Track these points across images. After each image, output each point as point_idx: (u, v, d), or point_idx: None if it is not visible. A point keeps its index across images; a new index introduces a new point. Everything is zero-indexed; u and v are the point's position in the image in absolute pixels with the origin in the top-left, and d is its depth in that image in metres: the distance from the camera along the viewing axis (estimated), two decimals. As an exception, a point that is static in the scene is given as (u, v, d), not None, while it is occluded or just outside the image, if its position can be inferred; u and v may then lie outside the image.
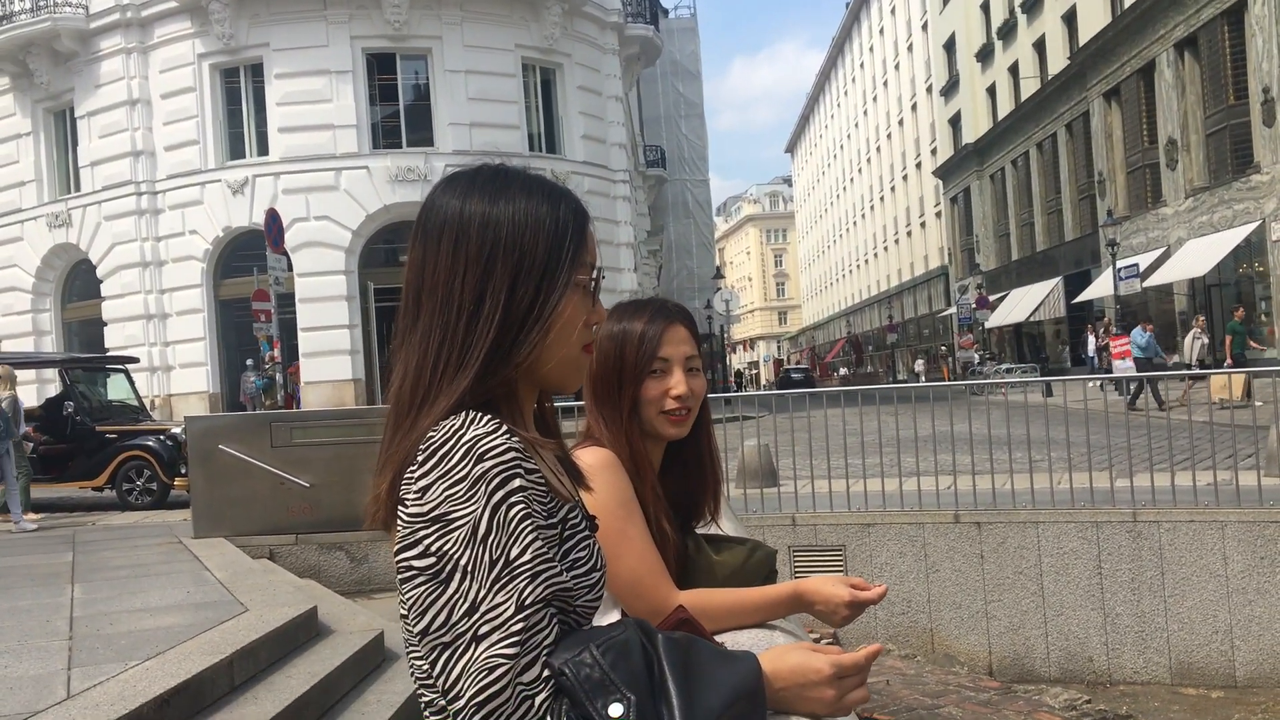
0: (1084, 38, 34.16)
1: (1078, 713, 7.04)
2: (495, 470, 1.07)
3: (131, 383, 15.08)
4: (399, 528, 1.10)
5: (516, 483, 1.07)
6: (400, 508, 1.11)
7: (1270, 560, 7.73)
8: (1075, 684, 7.90)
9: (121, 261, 23.24)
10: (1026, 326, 42.50)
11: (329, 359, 21.82)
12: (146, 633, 4.81)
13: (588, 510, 1.26)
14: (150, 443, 12.70)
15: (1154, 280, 28.32)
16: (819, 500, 8.85)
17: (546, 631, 1.06)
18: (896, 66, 63.90)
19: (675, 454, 1.92)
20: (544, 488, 1.13)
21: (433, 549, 1.06)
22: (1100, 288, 30.84)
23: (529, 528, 1.07)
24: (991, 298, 42.70)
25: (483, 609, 1.03)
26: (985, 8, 45.47)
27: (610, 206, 25.56)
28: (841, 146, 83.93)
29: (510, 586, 1.04)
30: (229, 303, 22.77)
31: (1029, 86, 40.14)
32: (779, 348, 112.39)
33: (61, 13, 23.14)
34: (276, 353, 18.32)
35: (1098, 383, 12.16)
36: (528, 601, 1.04)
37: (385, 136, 23.12)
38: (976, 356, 39.83)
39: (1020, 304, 40.42)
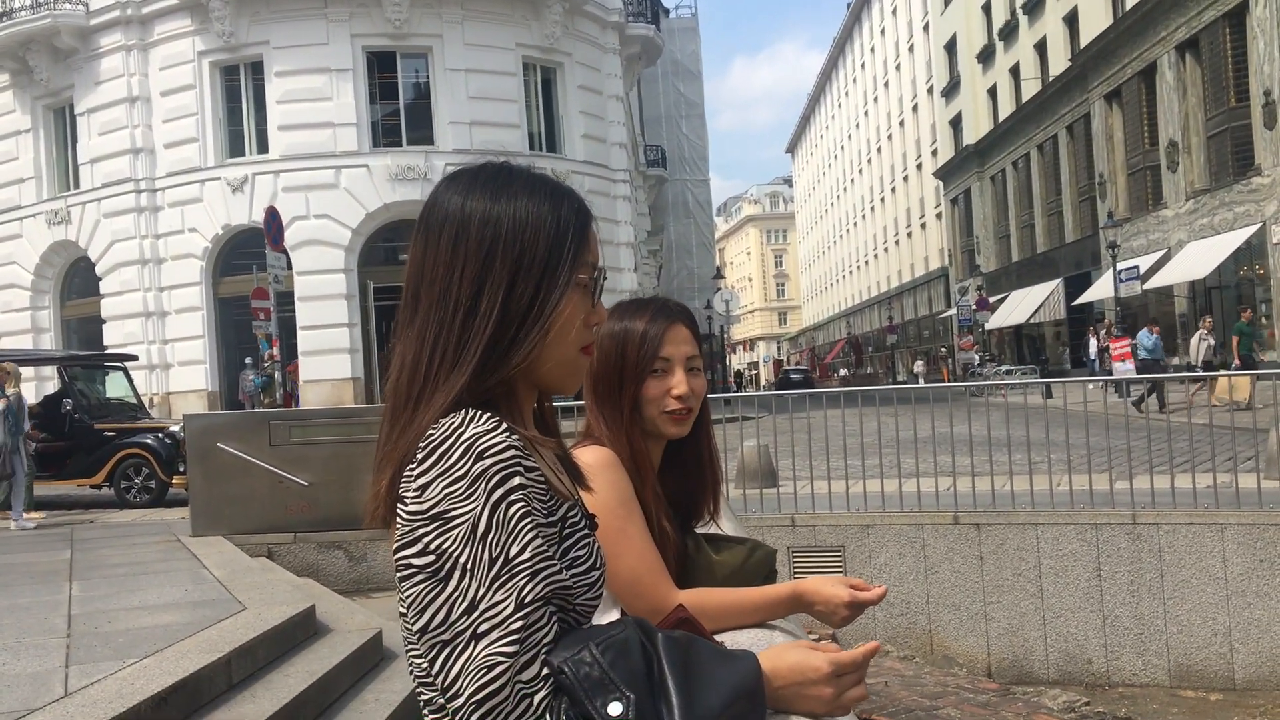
0: (1085, 39, 34.18)
1: (1076, 715, 7.04)
2: (495, 468, 1.06)
3: (130, 380, 15.07)
4: (398, 525, 1.10)
5: (516, 481, 1.07)
6: (400, 505, 1.10)
7: (1270, 563, 7.73)
8: (1074, 686, 7.89)
9: (121, 259, 23.24)
10: (1026, 328, 42.53)
11: (328, 357, 21.82)
12: (144, 631, 4.81)
13: (587, 509, 1.25)
14: (149, 440, 12.70)
15: (1154, 282, 28.34)
16: (818, 501, 8.85)
17: (546, 630, 1.05)
18: (897, 67, 63.93)
19: (675, 453, 1.92)
20: (543, 486, 1.13)
21: (432, 547, 1.06)
22: (1100, 290, 30.86)
23: (528, 526, 1.06)
24: (991, 299, 42.73)
25: (482, 607, 1.03)
26: (986, 9, 45.49)
27: (610, 206, 25.57)
28: (842, 147, 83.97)
29: (509, 585, 1.03)
30: (228, 301, 22.77)
31: (1030, 88, 40.15)
32: (779, 348, 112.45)
33: (62, 9, 23.13)
34: (275, 351, 18.33)
35: (1099, 385, 12.16)
36: (527, 600, 1.04)
37: (385, 135, 23.12)
38: (976, 358, 39.84)
39: (1020, 306, 40.44)
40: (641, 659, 1.08)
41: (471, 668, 1.02)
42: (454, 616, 1.04)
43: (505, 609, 1.03)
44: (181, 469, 11.61)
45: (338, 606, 6.22)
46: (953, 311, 46.12)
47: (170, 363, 23.06)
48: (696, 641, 1.15)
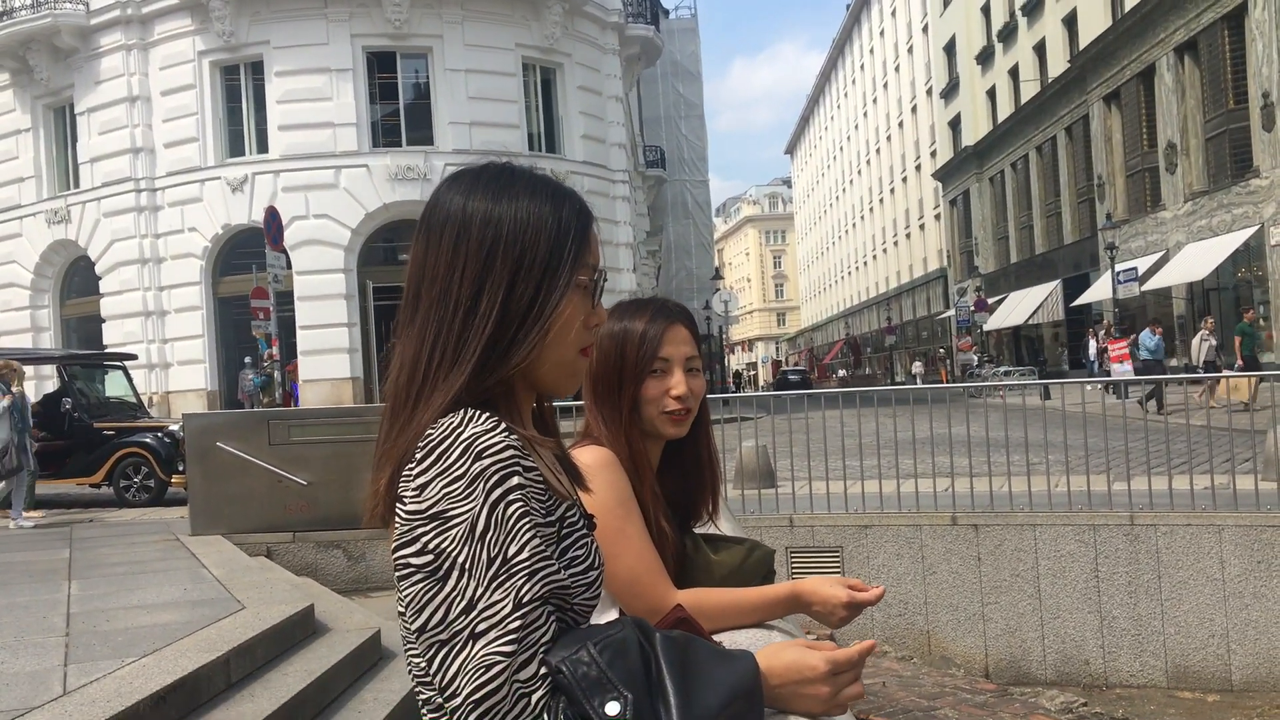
0: (1084, 41, 34.18)
1: (1074, 715, 7.05)
2: (494, 468, 1.07)
3: (129, 380, 15.07)
4: (397, 525, 1.10)
5: (515, 480, 1.07)
6: (398, 505, 1.11)
7: (1267, 564, 7.74)
8: (1071, 687, 7.90)
9: (120, 258, 23.22)
10: (1025, 329, 42.54)
11: (327, 357, 21.82)
12: (143, 630, 4.81)
13: (586, 509, 1.26)
14: (148, 440, 12.70)
15: (1152, 284, 28.35)
16: (816, 502, 8.85)
17: (544, 629, 1.06)
18: (896, 68, 63.93)
19: (674, 454, 1.92)
20: (542, 486, 1.13)
21: (430, 546, 1.06)
22: (1099, 291, 30.87)
23: (527, 525, 1.07)
24: (990, 300, 42.73)
25: (480, 606, 1.03)
26: (986, 10, 45.50)
27: (610, 206, 25.57)
28: (841, 148, 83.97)
29: (508, 584, 1.04)
30: (228, 300, 22.76)
31: (1029, 89, 40.16)
32: (778, 349, 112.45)
33: (62, 9, 23.12)
34: (275, 350, 18.32)
35: (1097, 386, 12.15)
36: (525, 599, 1.04)
37: (385, 135, 23.11)
38: (975, 359, 39.84)
39: (1019, 307, 40.45)
40: (639, 659, 1.08)
41: (469, 667, 1.02)
42: (452, 616, 1.04)
43: (503, 608, 1.03)
44: (181, 468, 11.60)
45: (336, 606, 6.22)
46: (951, 312, 46.12)
47: (170, 362, 23.05)
48: (694, 641, 1.16)
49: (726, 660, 1.15)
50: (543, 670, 1.04)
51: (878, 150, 70.73)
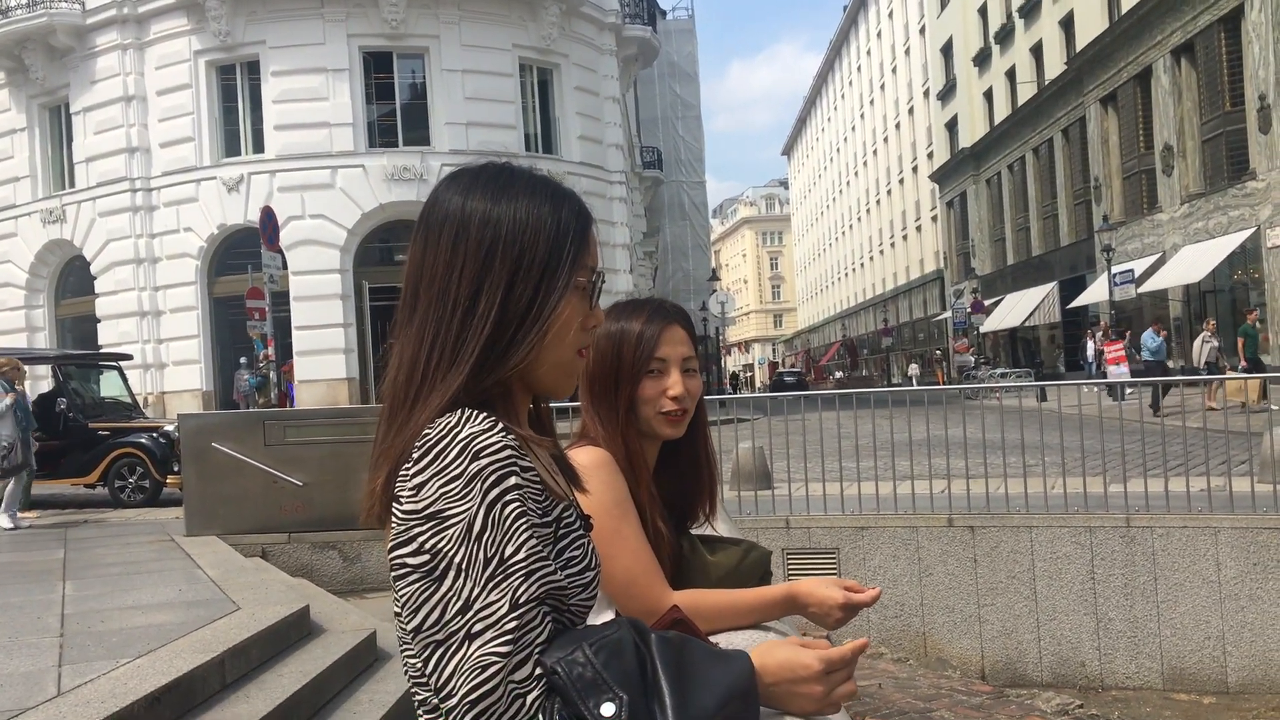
0: (1081, 43, 34.24)
1: (1069, 717, 7.06)
2: (490, 468, 1.06)
3: (125, 380, 15.04)
4: (393, 525, 1.10)
5: (511, 481, 1.07)
6: (395, 505, 1.10)
7: (1263, 566, 7.75)
8: (1067, 688, 7.91)
9: (115, 258, 23.17)
10: (1021, 331, 42.59)
11: (323, 358, 21.79)
12: (138, 630, 4.80)
13: (582, 509, 1.25)
14: (143, 440, 12.68)
15: (1149, 286, 28.39)
16: (813, 503, 8.85)
17: (539, 630, 1.05)
18: (894, 70, 64.01)
19: (671, 454, 1.92)
20: (539, 486, 1.13)
21: (427, 546, 1.06)
22: (1095, 293, 30.92)
23: (523, 526, 1.06)
24: (986, 302, 42.77)
25: (476, 607, 1.03)
26: (983, 12, 45.56)
27: (606, 207, 25.57)
28: (838, 150, 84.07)
29: (504, 585, 1.03)
30: (223, 300, 22.72)
31: (1026, 91, 40.22)
32: (774, 350, 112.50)
33: (58, 8, 23.08)
34: (270, 351, 18.29)
35: (1093, 388, 12.17)
36: (521, 600, 1.04)
37: (381, 135, 23.08)
38: (971, 360, 39.88)
39: (1015, 309, 40.50)
40: (635, 659, 1.08)
41: (465, 667, 1.02)
42: (448, 616, 1.04)
43: (499, 609, 1.03)
44: (176, 468, 11.59)
45: (332, 607, 6.21)
46: (948, 314, 46.15)
47: (165, 362, 23.01)
48: (690, 642, 1.15)
49: (722, 661, 1.15)
50: (538, 671, 1.04)
51: (875, 152, 70.81)
